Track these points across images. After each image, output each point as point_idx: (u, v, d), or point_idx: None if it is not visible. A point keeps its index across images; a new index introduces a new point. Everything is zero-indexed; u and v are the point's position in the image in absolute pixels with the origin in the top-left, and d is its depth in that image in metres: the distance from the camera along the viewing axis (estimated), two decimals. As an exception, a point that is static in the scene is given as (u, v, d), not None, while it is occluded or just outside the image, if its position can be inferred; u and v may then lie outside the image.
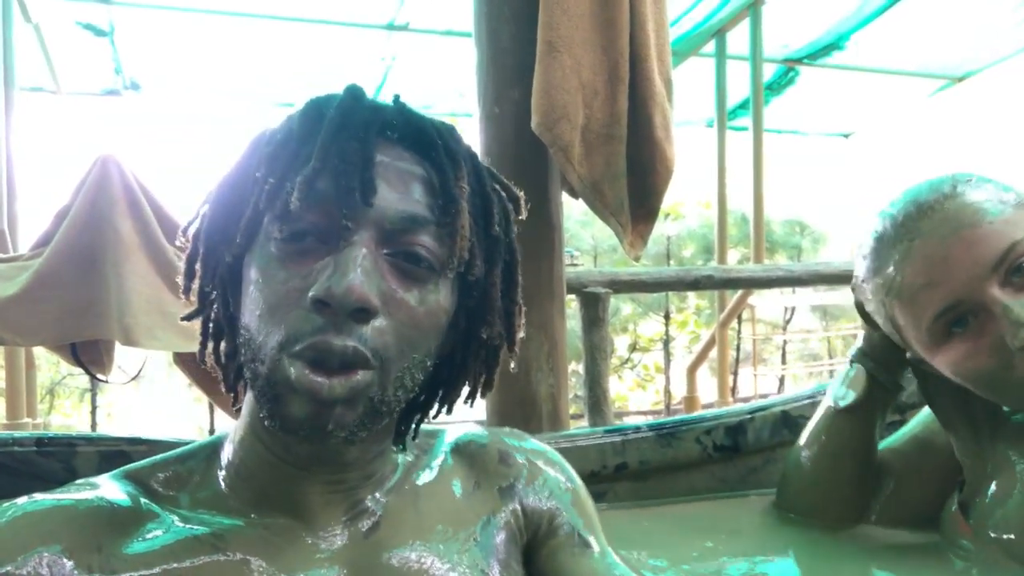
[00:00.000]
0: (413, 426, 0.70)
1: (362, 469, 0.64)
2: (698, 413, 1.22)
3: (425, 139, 0.61)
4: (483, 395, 0.72)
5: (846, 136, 6.56)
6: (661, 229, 7.68)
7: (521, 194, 0.69)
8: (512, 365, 0.71)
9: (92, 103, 5.76)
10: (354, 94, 0.61)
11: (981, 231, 0.79)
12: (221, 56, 4.93)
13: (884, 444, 1.07)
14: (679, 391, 6.63)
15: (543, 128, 1.30)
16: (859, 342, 1.04)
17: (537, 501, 0.72)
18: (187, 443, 0.98)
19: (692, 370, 4.96)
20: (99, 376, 2.36)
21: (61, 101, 5.36)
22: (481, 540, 0.67)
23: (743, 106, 5.32)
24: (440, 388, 0.69)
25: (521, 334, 0.70)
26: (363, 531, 0.63)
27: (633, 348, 8.00)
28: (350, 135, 0.58)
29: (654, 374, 8.16)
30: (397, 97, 0.64)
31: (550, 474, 0.75)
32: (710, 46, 4.66)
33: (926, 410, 1.05)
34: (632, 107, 1.39)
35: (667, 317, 7.39)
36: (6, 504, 0.57)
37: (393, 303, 0.57)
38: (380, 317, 0.56)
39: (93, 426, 5.79)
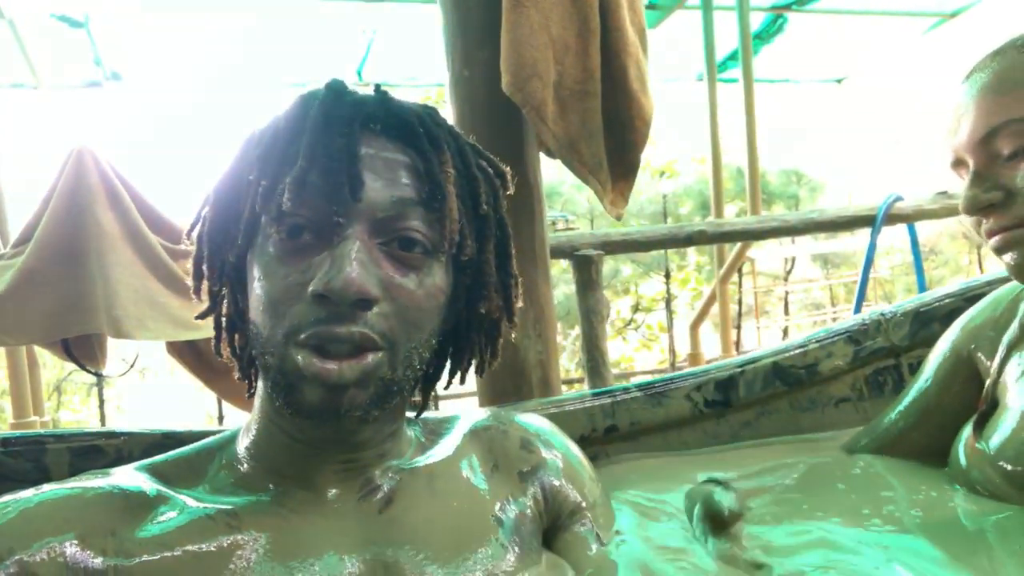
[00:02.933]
0: (429, 396, 0.73)
1: (375, 448, 0.66)
2: (687, 370, 1.20)
3: (407, 127, 0.63)
4: (489, 366, 0.75)
5: (839, 81, 6.46)
6: (657, 187, 7.61)
7: (507, 169, 0.72)
8: (512, 335, 0.74)
9: (75, 96, 5.70)
10: (336, 90, 0.64)
11: (994, 100, 0.81)
12: (200, 41, 4.88)
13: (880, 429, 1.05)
14: (684, 349, 6.62)
15: (513, 88, 1.25)
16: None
17: (560, 492, 0.74)
18: (170, 432, 0.97)
19: (694, 327, 4.94)
20: (93, 370, 2.34)
21: (43, 96, 5.29)
22: (503, 519, 0.69)
23: (733, 57, 5.23)
24: (447, 361, 0.72)
25: (519, 305, 0.74)
26: (376, 507, 0.65)
27: (636, 309, 7.97)
28: (335, 131, 0.60)
29: (658, 333, 8.14)
30: (379, 87, 0.67)
31: (575, 471, 0.77)
32: (695, -3, 4.57)
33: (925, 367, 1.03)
34: (605, 60, 1.34)
35: (667, 276, 7.35)
36: (18, 495, 0.58)
37: (394, 288, 0.60)
38: (383, 303, 0.59)
39: (102, 420, 5.81)
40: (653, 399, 1.15)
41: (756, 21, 5.18)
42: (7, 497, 0.58)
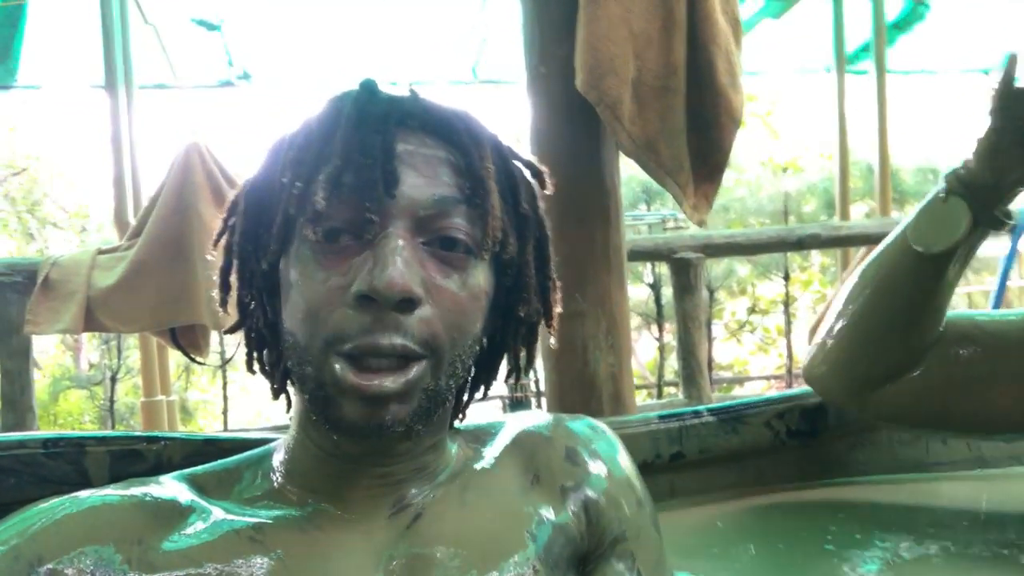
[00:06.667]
0: (462, 407, 0.69)
1: (412, 461, 0.63)
2: (768, 395, 1.09)
3: (446, 124, 0.61)
4: (525, 373, 0.71)
5: (987, 72, 5.92)
6: (779, 184, 7.25)
7: (544, 168, 0.67)
8: (552, 340, 0.70)
9: (210, 95, 6.02)
10: (369, 88, 0.61)
11: None
12: (322, 40, 5.04)
13: (977, 314, 0.91)
14: (804, 355, 6.29)
15: (588, 86, 1.17)
16: (958, 164, 0.84)
17: (604, 514, 0.68)
18: (212, 438, 0.97)
19: (814, 332, 4.67)
20: (197, 359, 2.45)
21: (182, 95, 5.62)
22: (537, 535, 0.64)
23: (866, 48, 4.89)
24: (482, 368, 0.68)
25: (558, 309, 0.69)
26: (405, 524, 0.62)
27: (752, 310, 7.62)
28: (369, 128, 0.58)
29: (776, 337, 7.76)
30: (411, 87, 0.64)
31: (624, 492, 0.70)
32: (825, -14, 4.30)
33: None
34: (692, 53, 1.24)
35: (787, 277, 6.97)
36: (55, 502, 0.58)
37: (436, 291, 0.57)
38: (425, 306, 0.56)
39: (225, 401, 6.13)
40: (727, 425, 1.05)
41: (894, 9, 4.82)
42: (48, 503, 0.59)
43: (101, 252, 2.31)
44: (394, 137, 0.58)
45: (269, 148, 0.64)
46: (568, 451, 0.69)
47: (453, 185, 0.59)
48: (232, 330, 0.67)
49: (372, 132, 0.57)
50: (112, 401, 5.91)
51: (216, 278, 0.66)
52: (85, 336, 6.45)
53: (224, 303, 0.65)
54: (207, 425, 6.84)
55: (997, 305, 2.64)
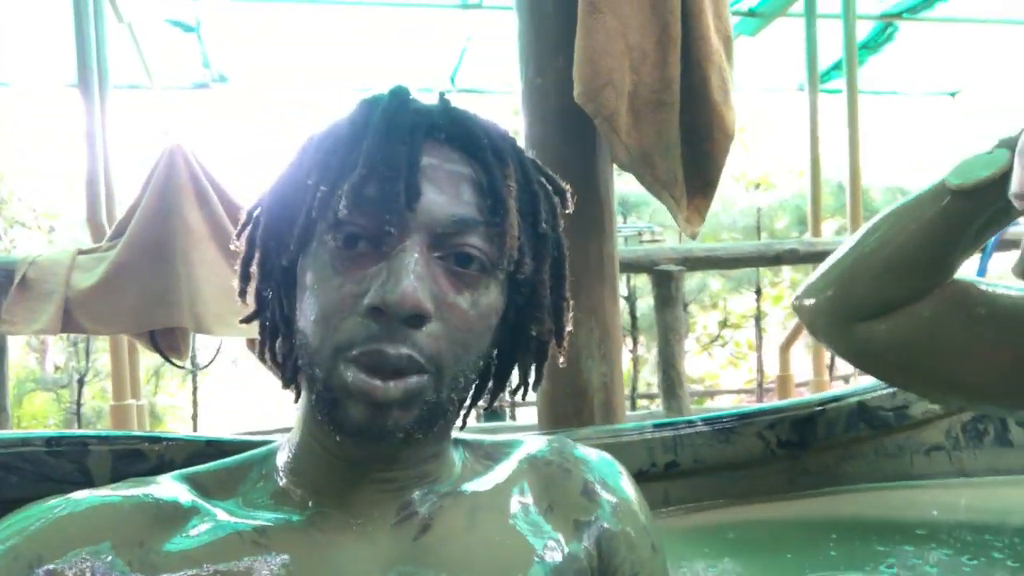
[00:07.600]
0: (463, 415, 0.69)
1: (415, 468, 0.64)
2: (759, 405, 1.12)
3: (472, 139, 0.61)
4: (534, 388, 0.72)
5: (952, 95, 6.09)
6: (751, 199, 7.36)
7: (567, 187, 0.68)
8: (561, 360, 0.70)
9: (184, 97, 5.97)
10: (399, 96, 0.62)
11: None
12: (301, 45, 5.03)
13: (985, 281, 0.89)
14: (773, 370, 6.36)
15: (586, 98, 1.20)
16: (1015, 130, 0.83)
17: (618, 554, 0.68)
18: (214, 440, 0.97)
19: (785, 348, 4.71)
20: (176, 363, 2.42)
21: (155, 96, 5.56)
22: (547, 563, 0.64)
23: (837, 67, 5.00)
24: (489, 382, 0.69)
25: (569, 328, 0.70)
26: (411, 534, 0.62)
27: (724, 325, 7.72)
28: (396, 139, 0.58)
29: (747, 351, 7.87)
30: (443, 96, 0.65)
31: (641, 536, 0.71)
32: (799, 5, 4.39)
33: None
34: (686, 69, 1.27)
35: (758, 292, 7.07)
36: (55, 501, 0.58)
37: (446, 307, 0.57)
38: (434, 322, 0.57)
39: (195, 406, 6.05)
40: (720, 435, 1.07)
41: (864, 30, 4.94)
42: (48, 502, 0.59)
43: (81, 252, 2.27)
44: (419, 149, 0.58)
45: (298, 146, 0.65)
46: (585, 485, 0.70)
47: (473, 205, 0.59)
48: (248, 320, 0.68)
49: (398, 143, 0.58)
50: (79, 404, 5.81)
51: (237, 267, 0.66)
52: (51, 338, 6.33)
53: (243, 293, 0.66)
54: (176, 430, 6.74)
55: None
